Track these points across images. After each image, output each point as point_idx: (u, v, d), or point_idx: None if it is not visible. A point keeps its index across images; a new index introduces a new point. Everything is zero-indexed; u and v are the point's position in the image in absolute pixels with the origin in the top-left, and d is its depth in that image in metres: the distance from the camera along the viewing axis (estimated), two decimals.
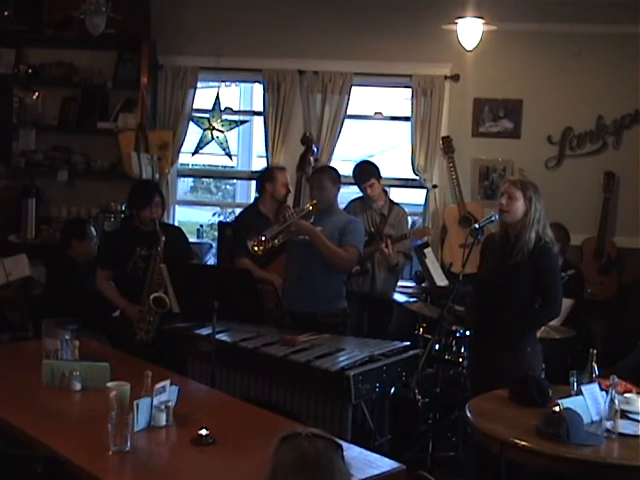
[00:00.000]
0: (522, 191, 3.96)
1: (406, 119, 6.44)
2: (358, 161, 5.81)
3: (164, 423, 3.06)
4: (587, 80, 6.20)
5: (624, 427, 3.25)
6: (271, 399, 3.99)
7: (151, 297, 4.61)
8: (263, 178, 5.39)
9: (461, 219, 6.22)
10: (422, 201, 6.44)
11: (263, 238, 4.58)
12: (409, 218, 5.80)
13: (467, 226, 5.79)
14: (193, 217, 7.88)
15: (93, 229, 5.46)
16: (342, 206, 5.29)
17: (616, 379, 3.32)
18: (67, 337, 3.72)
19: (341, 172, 4.96)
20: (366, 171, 5.45)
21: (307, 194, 6.09)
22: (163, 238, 4.68)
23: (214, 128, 6.57)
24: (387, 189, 5.88)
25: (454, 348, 4.94)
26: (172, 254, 4.68)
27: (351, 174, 5.54)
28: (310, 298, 4.61)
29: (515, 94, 6.30)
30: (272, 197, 5.30)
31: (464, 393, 4.71)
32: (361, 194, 5.51)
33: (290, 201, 5.69)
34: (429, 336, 4.84)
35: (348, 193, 6.15)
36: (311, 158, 5.50)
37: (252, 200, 5.84)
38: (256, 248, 4.59)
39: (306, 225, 4.63)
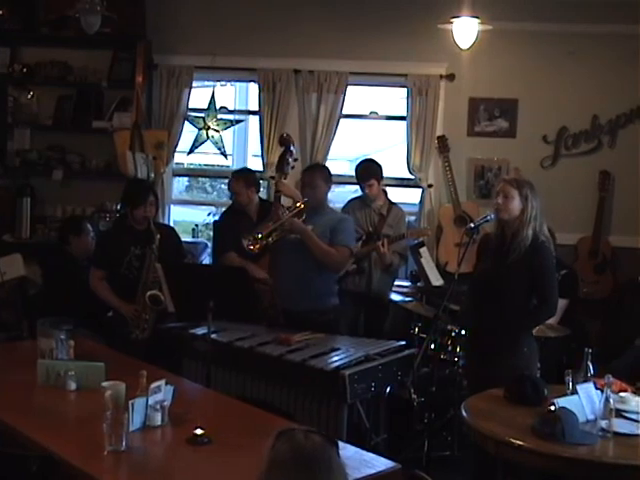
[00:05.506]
0: (518, 189, 3.96)
1: (401, 118, 6.44)
2: (361, 159, 5.77)
3: (159, 423, 3.06)
4: (582, 80, 6.21)
5: (619, 426, 3.25)
6: (266, 398, 3.98)
7: (147, 294, 4.61)
8: None
9: (456, 218, 6.21)
10: (417, 200, 6.44)
11: (259, 235, 4.55)
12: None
13: (462, 225, 5.80)
14: (188, 216, 7.88)
15: (89, 226, 5.45)
16: (341, 205, 5.27)
17: (611, 378, 3.33)
18: (62, 337, 3.71)
19: (337, 172, 4.95)
20: (368, 170, 5.43)
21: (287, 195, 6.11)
22: (158, 236, 4.67)
23: (209, 127, 6.56)
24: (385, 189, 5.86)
25: (450, 347, 4.94)
26: (164, 254, 4.68)
27: (349, 172, 5.52)
28: (302, 295, 4.59)
29: (510, 93, 6.30)
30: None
31: (460, 392, 4.70)
32: (360, 193, 5.50)
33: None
34: (424, 335, 4.84)
35: (344, 192, 6.14)
36: (290, 159, 5.51)
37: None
38: (252, 247, 4.57)
39: (299, 224, 4.62)
